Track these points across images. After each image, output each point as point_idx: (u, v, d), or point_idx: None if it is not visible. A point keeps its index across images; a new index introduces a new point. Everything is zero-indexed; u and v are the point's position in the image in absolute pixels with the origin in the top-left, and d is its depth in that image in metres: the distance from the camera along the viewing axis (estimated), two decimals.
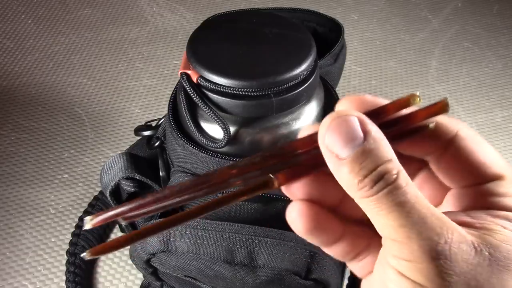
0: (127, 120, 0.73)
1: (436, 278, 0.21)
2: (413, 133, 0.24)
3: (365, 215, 0.23)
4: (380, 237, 0.23)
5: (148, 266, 0.43)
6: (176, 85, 0.45)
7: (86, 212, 0.61)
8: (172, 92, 0.45)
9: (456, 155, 0.24)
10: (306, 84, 0.39)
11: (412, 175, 0.26)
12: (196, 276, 0.43)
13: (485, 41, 0.88)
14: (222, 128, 0.37)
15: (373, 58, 0.85)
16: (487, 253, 0.21)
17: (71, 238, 0.59)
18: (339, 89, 0.50)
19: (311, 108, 0.41)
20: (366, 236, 0.26)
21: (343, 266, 0.44)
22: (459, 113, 0.76)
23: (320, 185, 0.25)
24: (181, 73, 0.39)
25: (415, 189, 0.22)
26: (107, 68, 0.81)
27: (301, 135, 0.25)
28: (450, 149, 0.24)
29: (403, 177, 0.22)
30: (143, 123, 0.52)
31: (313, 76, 0.39)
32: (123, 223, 0.26)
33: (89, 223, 0.24)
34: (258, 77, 0.37)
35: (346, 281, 0.49)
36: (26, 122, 0.72)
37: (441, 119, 0.24)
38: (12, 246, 0.59)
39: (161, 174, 0.46)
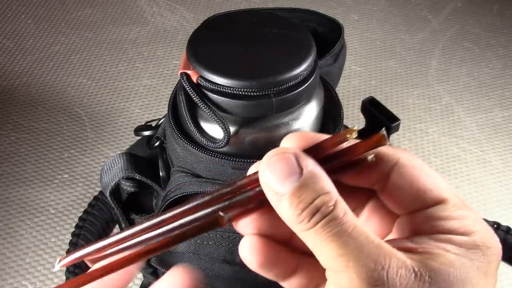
0: (127, 120, 0.73)
1: None
2: (354, 165, 0.25)
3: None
4: None
5: (148, 266, 0.43)
6: (176, 85, 0.45)
7: (86, 212, 0.61)
8: (172, 92, 0.45)
9: (399, 183, 0.24)
10: (306, 84, 0.39)
11: (361, 205, 0.27)
12: None
13: (485, 41, 0.88)
14: (222, 128, 0.37)
15: (373, 58, 0.85)
16: (427, 277, 0.21)
17: (71, 238, 0.59)
18: (339, 89, 0.50)
19: (311, 108, 0.41)
20: (322, 268, 0.25)
21: None
22: (459, 113, 0.76)
23: (270, 219, 0.25)
24: (181, 73, 0.39)
25: (353, 218, 0.22)
26: (107, 68, 0.81)
27: (249, 172, 0.26)
28: (392, 177, 0.24)
29: (341, 208, 0.22)
30: (143, 123, 0.52)
31: (313, 76, 0.39)
32: (90, 265, 0.28)
33: (58, 265, 0.25)
34: (258, 77, 0.37)
35: None
36: (26, 122, 0.72)
37: (382, 149, 0.24)
38: (12, 246, 0.59)
39: (161, 174, 0.46)
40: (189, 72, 0.39)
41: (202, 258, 0.40)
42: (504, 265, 0.51)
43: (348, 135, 0.24)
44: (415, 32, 0.90)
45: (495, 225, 0.51)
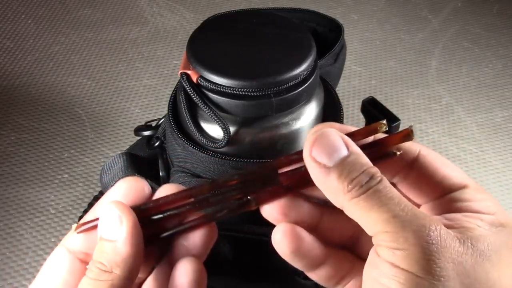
0: (127, 120, 0.73)
1: (428, 265, 0.22)
2: (381, 158, 0.26)
3: (343, 239, 0.25)
4: (361, 261, 0.25)
5: None
6: (176, 85, 0.45)
7: (86, 212, 0.61)
8: (172, 92, 0.45)
9: (421, 172, 0.26)
10: (306, 84, 0.39)
11: None
12: None
13: (485, 41, 0.88)
14: (222, 128, 0.37)
15: (373, 58, 0.85)
16: (470, 244, 0.23)
17: None
18: (339, 89, 0.50)
19: (311, 108, 0.41)
20: (348, 260, 0.27)
21: None
22: (459, 113, 0.76)
23: (296, 207, 0.26)
24: (181, 73, 0.39)
25: (397, 192, 0.24)
26: (107, 68, 0.81)
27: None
28: (414, 168, 0.26)
29: (386, 182, 0.24)
30: (143, 123, 0.52)
31: (313, 76, 0.39)
32: None
33: (74, 231, 0.27)
34: (258, 77, 0.37)
35: None
36: (26, 122, 0.72)
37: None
38: (12, 246, 0.59)
39: (161, 174, 0.46)
40: (189, 72, 0.39)
41: None
42: None
43: (379, 128, 0.25)
44: (415, 32, 0.90)
45: None
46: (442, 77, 0.82)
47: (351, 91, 0.78)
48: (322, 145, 0.24)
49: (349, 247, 0.27)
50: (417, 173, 0.26)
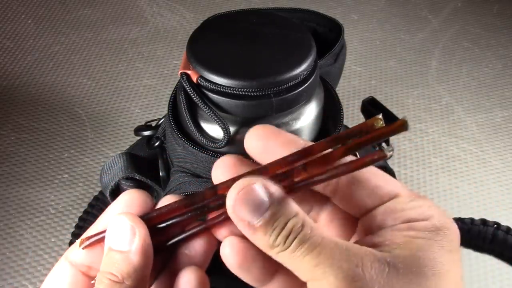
0: (127, 120, 0.73)
1: None
2: (372, 161, 0.25)
3: None
4: None
5: None
6: (176, 85, 0.45)
7: (86, 212, 0.61)
8: (172, 92, 0.45)
9: (348, 187, 0.26)
10: (306, 84, 0.39)
11: (318, 211, 0.28)
12: None
13: (485, 41, 0.88)
14: (222, 128, 0.37)
15: (373, 58, 0.85)
16: (400, 264, 0.23)
17: (71, 238, 0.59)
18: (339, 89, 0.50)
19: (311, 108, 0.41)
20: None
21: None
22: (459, 113, 0.76)
23: None
24: (181, 73, 0.39)
25: (320, 232, 0.24)
26: (107, 68, 0.81)
27: (221, 168, 0.28)
28: (341, 183, 0.26)
29: (308, 225, 0.24)
30: (143, 123, 0.52)
31: (313, 76, 0.39)
32: None
33: (80, 247, 0.27)
34: (258, 77, 0.37)
35: None
36: (26, 122, 0.72)
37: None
38: (12, 246, 0.59)
39: (161, 174, 0.46)
40: (189, 72, 0.39)
41: None
42: (506, 266, 0.51)
43: (375, 123, 0.25)
44: (415, 32, 0.90)
45: (495, 225, 0.51)
46: (442, 77, 0.82)
47: (351, 91, 0.78)
48: (244, 203, 0.24)
49: None
50: (345, 187, 0.26)
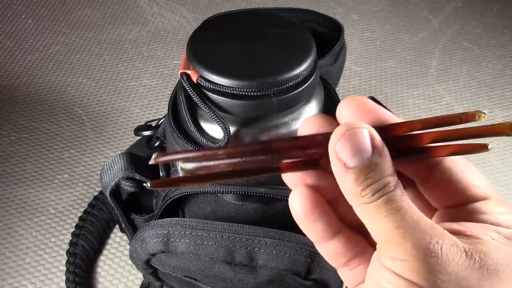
0: (127, 120, 0.73)
1: (430, 276, 0.22)
2: (412, 154, 0.25)
3: (358, 221, 0.24)
4: (373, 248, 0.25)
5: (148, 267, 0.43)
6: (176, 85, 0.45)
7: (86, 212, 0.61)
8: (172, 92, 0.45)
9: (443, 177, 0.26)
10: (306, 84, 0.39)
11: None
12: (196, 277, 0.43)
13: (485, 41, 0.88)
14: (222, 128, 0.37)
15: (373, 58, 0.85)
16: (477, 257, 0.23)
17: (71, 238, 0.59)
18: (339, 89, 0.50)
19: (311, 108, 0.41)
20: (359, 243, 0.27)
21: None
22: None
23: (318, 178, 0.26)
24: (181, 73, 0.39)
25: (409, 201, 0.24)
26: (107, 68, 0.81)
27: (307, 128, 0.26)
28: (437, 171, 0.26)
29: (400, 189, 0.24)
30: (143, 123, 0.52)
31: (313, 76, 0.39)
32: (181, 172, 0.28)
33: (154, 159, 0.26)
34: (258, 77, 0.37)
35: None
36: (26, 122, 0.72)
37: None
38: (12, 246, 0.59)
39: (161, 174, 0.46)
40: (189, 72, 0.39)
41: (202, 259, 0.40)
42: None
43: (477, 117, 0.24)
44: (415, 32, 0.90)
45: None
46: (442, 77, 0.82)
47: (351, 91, 0.78)
48: (347, 143, 0.23)
49: (363, 231, 0.26)
50: (438, 177, 0.26)
